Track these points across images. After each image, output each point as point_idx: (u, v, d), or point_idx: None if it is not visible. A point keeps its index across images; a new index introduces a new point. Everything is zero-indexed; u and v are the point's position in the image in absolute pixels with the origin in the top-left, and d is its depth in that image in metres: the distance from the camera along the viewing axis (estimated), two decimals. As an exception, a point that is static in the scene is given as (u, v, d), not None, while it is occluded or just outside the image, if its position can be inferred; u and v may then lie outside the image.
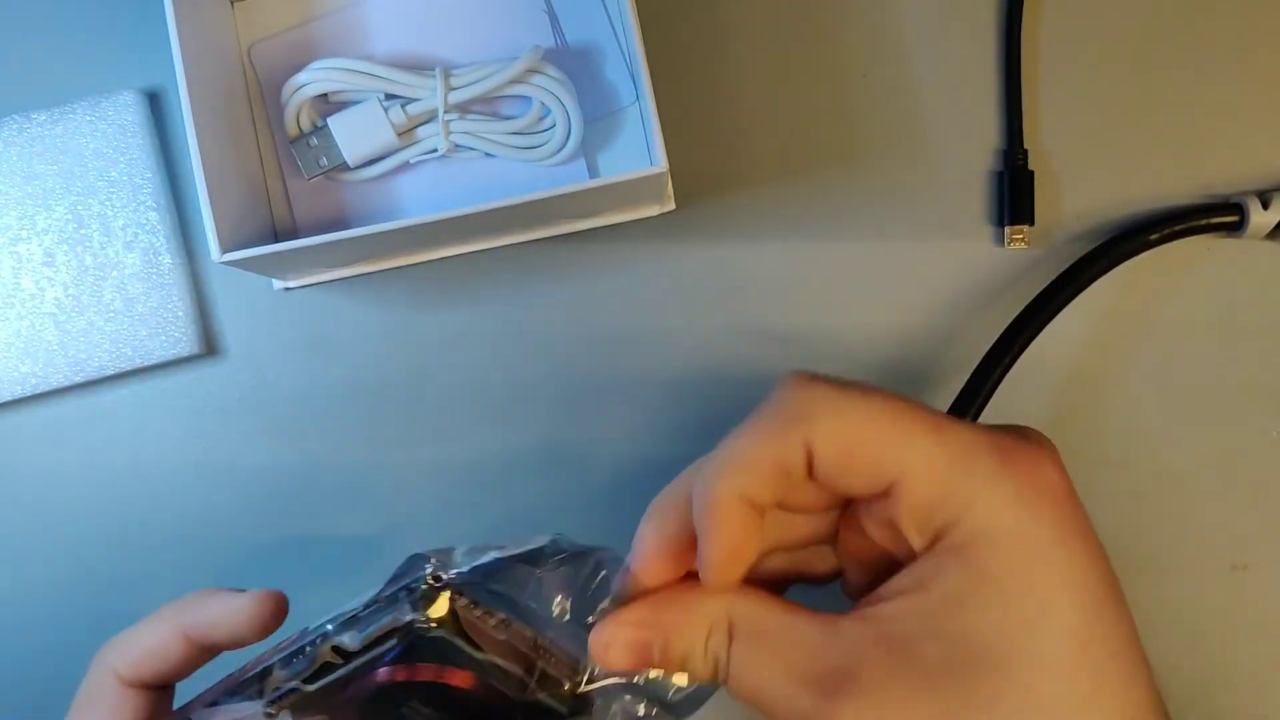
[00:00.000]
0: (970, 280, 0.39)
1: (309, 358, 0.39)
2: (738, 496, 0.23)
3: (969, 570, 0.22)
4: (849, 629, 0.23)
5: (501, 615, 0.25)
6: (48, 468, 0.39)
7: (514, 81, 0.37)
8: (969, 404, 0.35)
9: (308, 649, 0.26)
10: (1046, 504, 0.23)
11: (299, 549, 0.39)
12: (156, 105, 0.40)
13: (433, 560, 0.25)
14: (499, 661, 0.25)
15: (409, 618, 0.25)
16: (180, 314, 0.39)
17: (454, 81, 0.37)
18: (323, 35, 0.39)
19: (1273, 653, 0.38)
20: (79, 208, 0.39)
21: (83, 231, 0.39)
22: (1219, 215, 0.38)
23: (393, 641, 0.25)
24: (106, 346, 0.39)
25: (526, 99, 0.38)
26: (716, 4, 0.40)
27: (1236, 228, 0.38)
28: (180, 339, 0.39)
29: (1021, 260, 0.39)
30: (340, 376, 0.39)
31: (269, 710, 0.26)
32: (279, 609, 0.28)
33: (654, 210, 0.39)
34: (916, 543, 0.24)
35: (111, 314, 0.39)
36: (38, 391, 0.39)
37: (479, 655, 0.25)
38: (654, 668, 0.25)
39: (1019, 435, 0.24)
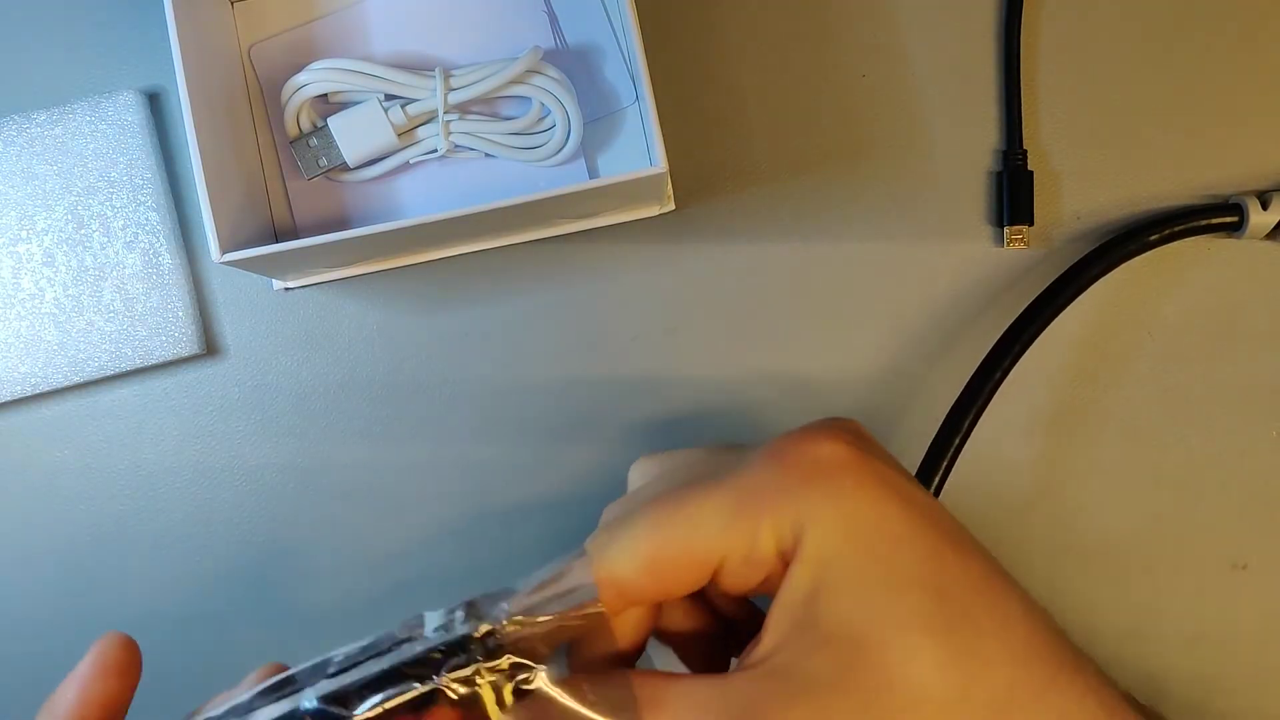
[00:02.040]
0: (970, 280, 0.39)
1: (309, 358, 0.39)
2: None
3: (813, 571, 0.22)
4: (739, 679, 0.23)
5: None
6: (48, 468, 0.39)
7: (514, 82, 0.37)
8: (969, 406, 0.35)
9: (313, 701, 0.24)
10: (835, 484, 0.23)
11: (298, 549, 0.39)
12: (156, 105, 0.40)
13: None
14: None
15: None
16: (180, 314, 0.39)
17: (454, 82, 0.37)
18: (323, 35, 0.39)
19: (1273, 653, 0.38)
20: (79, 208, 0.39)
21: (83, 232, 0.39)
22: (1218, 216, 0.38)
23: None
24: (106, 346, 0.39)
25: (526, 99, 0.38)
26: (716, 5, 0.40)
27: (1236, 228, 0.38)
28: (180, 339, 0.39)
29: (1021, 260, 0.39)
30: (340, 377, 0.39)
31: None
32: (119, 645, 0.27)
33: (654, 210, 0.39)
34: (777, 579, 0.24)
35: (111, 314, 0.39)
36: (38, 391, 0.39)
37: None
38: None
39: (787, 436, 0.24)
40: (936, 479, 0.35)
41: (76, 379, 0.39)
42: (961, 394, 0.36)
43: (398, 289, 0.39)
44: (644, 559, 0.24)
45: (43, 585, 0.39)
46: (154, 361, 0.39)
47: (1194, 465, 0.38)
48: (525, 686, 0.24)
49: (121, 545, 0.39)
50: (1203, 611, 0.38)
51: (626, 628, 0.26)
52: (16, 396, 0.39)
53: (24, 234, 0.39)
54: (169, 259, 0.39)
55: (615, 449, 0.39)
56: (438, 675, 0.24)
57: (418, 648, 0.24)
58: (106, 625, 0.39)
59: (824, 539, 0.23)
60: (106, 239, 0.39)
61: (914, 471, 0.35)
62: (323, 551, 0.39)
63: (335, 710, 0.24)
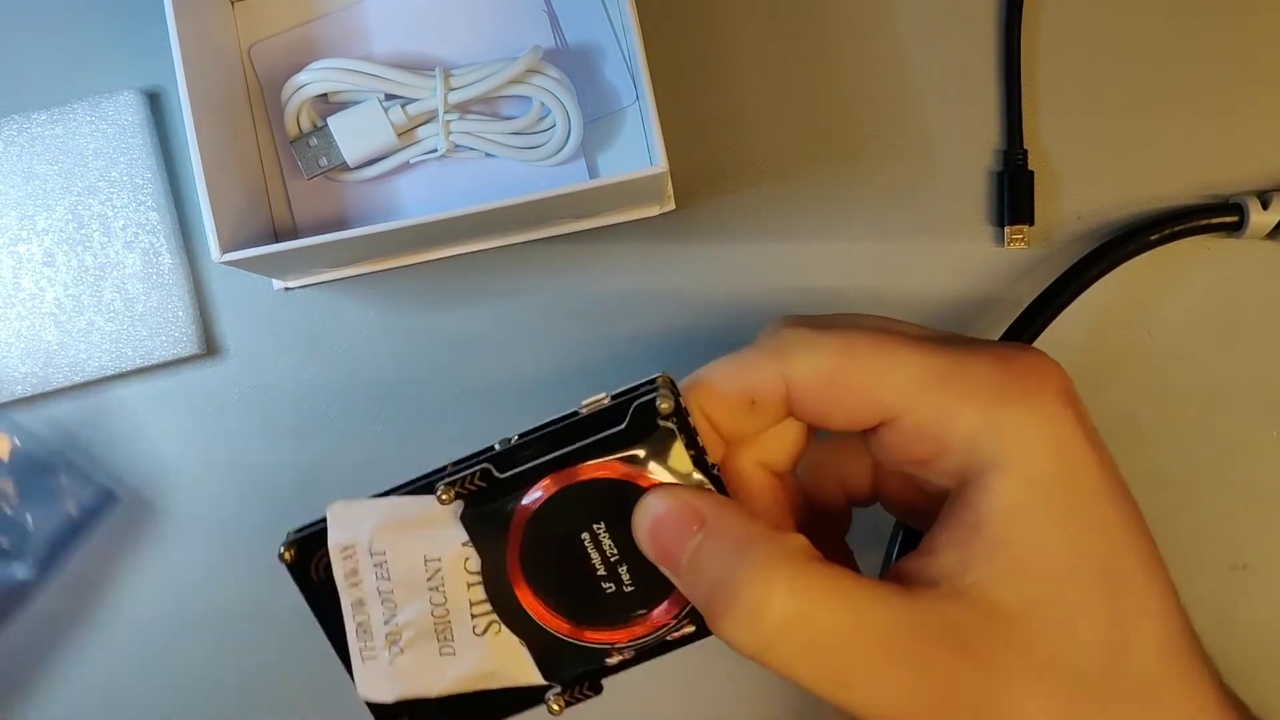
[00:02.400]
0: (970, 280, 0.39)
1: (309, 358, 0.39)
2: (698, 415, 0.23)
3: (1019, 487, 0.21)
4: (929, 597, 0.21)
5: (714, 457, 0.24)
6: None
7: (514, 82, 0.37)
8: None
9: (498, 445, 0.24)
10: (1060, 410, 0.22)
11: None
12: (156, 105, 0.40)
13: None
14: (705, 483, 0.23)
15: (644, 396, 0.22)
16: (180, 314, 0.39)
17: (454, 82, 0.37)
18: (323, 35, 0.39)
19: (1273, 653, 0.38)
20: (79, 208, 0.39)
21: (83, 231, 0.39)
22: (1218, 215, 0.38)
23: (616, 427, 0.22)
24: (107, 347, 0.39)
25: (526, 99, 0.38)
26: (716, 4, 0.40)
27: (1236, 228, 0.38)
28: (180, 339, 0.39)
29: (1021, 260, 0.39)
30: (340, 377, 0.39)
31: (442, 496, 0.23)
32: None
33: (654, 210, 0.39)
34: (949, 469, 0.22)
35: (112, 314, 0.39)
36: (38, 392, 0.39)
37: (694, 472, 0.23)
38: (680, 573, 0.23)
39: (1018, 346, 0.24)
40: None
41: (77, 379, 0.39)
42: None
43: (398, 289, 0.39)
44: (828, 369, 0.23)
45: (42, 587, 0.39)
46: (154, 361, 0.39)
47: (1194, 465, 0.38)
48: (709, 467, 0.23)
49: (121, 547, 0.39)
50: (1202, 612, 0.38)
51: (782, 442, 0.25)
52: (17, 397, 0.39)
53: (24, 234, 0.39)
54: (169, 259, 0.39)
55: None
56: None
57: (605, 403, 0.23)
58: (107, 626, 0.39)
59: (1037, 458, 0.21)
60: (107, 239, 0.39)
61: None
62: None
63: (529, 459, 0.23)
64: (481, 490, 0.23)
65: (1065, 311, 0.37)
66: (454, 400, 0.39)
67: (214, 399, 0.39)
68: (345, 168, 0.38)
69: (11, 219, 0.39)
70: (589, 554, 0.24)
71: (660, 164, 0.33)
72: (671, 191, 0.38)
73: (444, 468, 0.24)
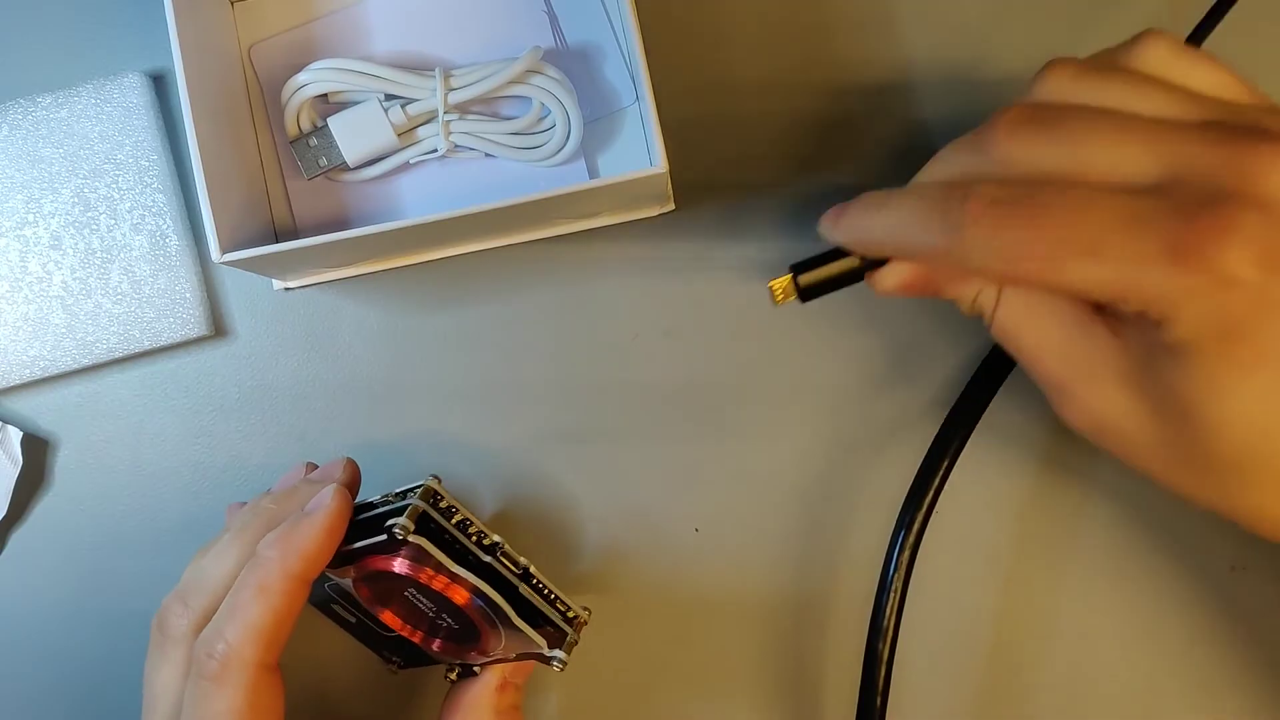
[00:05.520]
0: (969, 281, 0.39)
1: (309, 358, 0.39)
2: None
3: None
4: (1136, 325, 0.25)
5: (495, 538, 0.30)
6: (46, 463, 0.39)
7: (514, 82, 0.37)
8: (969, 405, 0.35)
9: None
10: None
11: (299, 548, 0.39)
12: (161, 87, 0.40)
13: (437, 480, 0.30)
14: (466, 576, 0.29)
15: (391, 520, 0.29)
16: (188, 295, 0.39)
17: (454, 82, 0.37)
18: (323, 35, 0.39)
19: (1270, 654, 0.38)
20: (85, 190, 0.39)
21: (89, 214, 0.39)
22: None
23: (381, 536, 0.29)
24: (115, 329, 0.39)
25: (526, 99, 0.38)
26: (716, 5, 0.40)
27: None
28: (188, 320, 0.39)
29: (1021, 261, 0.39)
30: (340, 377, 0.39)
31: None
32: (354, 478, 0.33)
33: (654, 211, 0.39)
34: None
35: (119, 296, 0.39)
36: (46, 375, 0.39)
37: (451, 567, 0.29)
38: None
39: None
40: (937, 479, 0.35)
41: (85, 361, 0.39)
42: (961, 396, 0.36)
43: (398, 289, 0.39)
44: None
45: (43, 583, 0.39)
46: (163, 343, 0.39)
47: (1193, 466, 0.38)
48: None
49: (121, 547, 0.39)
50: (1201, 613, 0.38)
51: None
52: (25, 380, 0.39)
53: (31, 217, 0.39)
54: (176, 240, 0.39)
55: (615, 450, 0.39)
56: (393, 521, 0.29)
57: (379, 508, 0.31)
58: (109, 623, 0.39)
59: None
60: (113, 221, 0.39)
61: (926, 450, 0.35)
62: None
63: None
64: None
65: (1064, 312, 0.37)
66: (454, 401, 0.39)
67: (214, 400, 0.39)
68: (345, 168, 0.38)
69: (18, 202, 0.39)
70: (417, 604, 0.31)
71: (660, 164, 0.33)
72: (671, 192, 0.38)
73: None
